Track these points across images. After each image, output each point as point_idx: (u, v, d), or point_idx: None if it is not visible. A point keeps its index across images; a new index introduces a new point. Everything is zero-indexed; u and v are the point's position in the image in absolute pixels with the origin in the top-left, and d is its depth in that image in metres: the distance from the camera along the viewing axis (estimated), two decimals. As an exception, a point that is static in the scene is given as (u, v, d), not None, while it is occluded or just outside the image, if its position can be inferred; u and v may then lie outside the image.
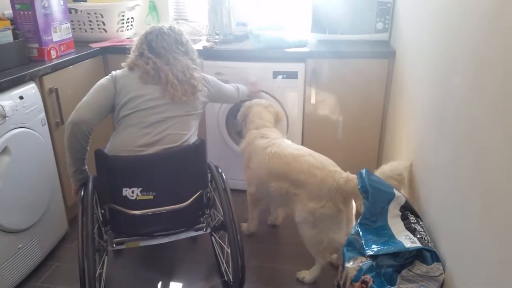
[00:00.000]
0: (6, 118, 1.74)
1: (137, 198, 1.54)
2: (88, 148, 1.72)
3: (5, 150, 1.74)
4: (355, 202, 1.77)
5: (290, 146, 1.93)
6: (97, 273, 1.66)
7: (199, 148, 1.67)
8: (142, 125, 1.68)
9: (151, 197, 1.55)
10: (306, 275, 1.92)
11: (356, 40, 2.52)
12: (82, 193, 1.65)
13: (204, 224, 1.76)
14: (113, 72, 1.80)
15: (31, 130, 1.90)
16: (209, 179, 1.80)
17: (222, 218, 1.74)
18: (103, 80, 1.77)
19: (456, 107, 1.31)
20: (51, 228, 2.09)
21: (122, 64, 1.84)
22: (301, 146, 1.97)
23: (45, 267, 2.05)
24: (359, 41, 2.52)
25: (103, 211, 1.60)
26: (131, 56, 1.82)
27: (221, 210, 1.70)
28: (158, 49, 1.78)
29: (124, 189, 1.54)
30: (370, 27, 2.48)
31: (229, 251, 1.62)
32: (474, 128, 1.16)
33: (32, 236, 1.94)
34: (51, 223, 2.08)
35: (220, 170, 1.79)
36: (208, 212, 1.78)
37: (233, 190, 1.76)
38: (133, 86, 1.73)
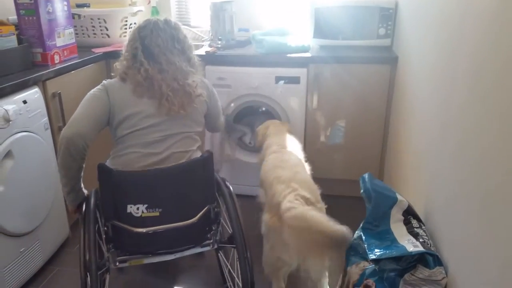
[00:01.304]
0: (10, 122, 1.75)
1: (143, 215, 1.46)
2: (84, 166, 1.58)
3: (8, 154, 1.75)
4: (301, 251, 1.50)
5: (284, 156, 1.85)
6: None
7: (206, 162, 1.57)
8: (142, 145, 1.59)
9: (158, 213, 1.47)
10: None
11: (358, 45, 2.53)
12: (84, 209, 1.56)
13: (212, 241, 1.65)
14: (105, 82, 1.65)
15: (34, 134, 1.91)
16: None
17: (229, 232, 1.65)
18: (95, 91, 1.62)
19: (459, 112, 1.31)
20: (52, 232, 2.10)
21: (114, 66, 1.70)
22: (297, 159, 1.86)
23: (46, 271, 2.05)
24: (361, 46, 2.53)
25: (106, 228, 1.51)
26: (123, 60, 1.67)
27: (229, 224, 1.63)
28: (152, 47, 1.63)
29: (128, 206, 1.45)
30: (372, 33, 2.49)
31: (230, 268, 1.56)
32: (477, 133, 1.16)
33: (34, 240, 1.94)
34: (53, 227, 2.09)
35: (227, 183, 1.71)
36: (216, 227, 1.67)
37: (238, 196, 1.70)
38: (127, 102, 1.59)
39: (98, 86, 1.64)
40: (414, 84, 1.94)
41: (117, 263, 1.55)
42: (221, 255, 1.94)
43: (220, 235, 1.71)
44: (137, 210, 1.45)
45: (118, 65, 1.70)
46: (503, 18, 1.03)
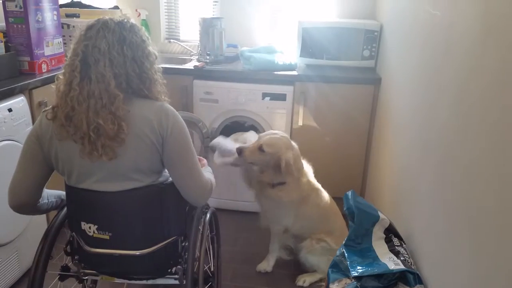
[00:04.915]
0: (-6, 130, 1.73)
1: (94, 235, 1.40)
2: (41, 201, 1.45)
3: (-10, 162, 1.72)
4: None
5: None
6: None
7: (167, 191, 1.41)
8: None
9: (107, 237, 1.38)
10: (307, 277, 2.10)
11: (343, 66, 2.60)
12: (55, 215, 1.51)
13: (178, 276, 1.49)
14: (34, 131, 1.37)
15: (18, 143, 1.88)
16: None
17: (210, 269, 1.61)
18: (27, 144, 1.37)
19: (440, 133, 1.36)
20: (32, 244, 2.03)
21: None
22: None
23: (23, 283, 2.00)
24: (346, 67, 2.59)
25: (71, 238, 1.45)
26: (61, 75, 1.34)
27: (210, 260, 1.59)
28: (90, 53, 1.26)
29: (82, 223, 1.39)
30: (357, 54, 2.57)
31: None
32: (458, 153, 1.21)
33: (12, 251, 1.90)
34: (32, 238, 2.03)
35: (206, 217, 1.61)
36: (183, 262, 1.50)
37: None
38: (58, 154, 1.34)
39: (31, 135, 1.37)
40: (397, 105, 2.00)
41: (82, 275, 1.52)
42: None
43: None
44: (89, 229, 1.40)
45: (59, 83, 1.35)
46: (485, 42, 1.09)
